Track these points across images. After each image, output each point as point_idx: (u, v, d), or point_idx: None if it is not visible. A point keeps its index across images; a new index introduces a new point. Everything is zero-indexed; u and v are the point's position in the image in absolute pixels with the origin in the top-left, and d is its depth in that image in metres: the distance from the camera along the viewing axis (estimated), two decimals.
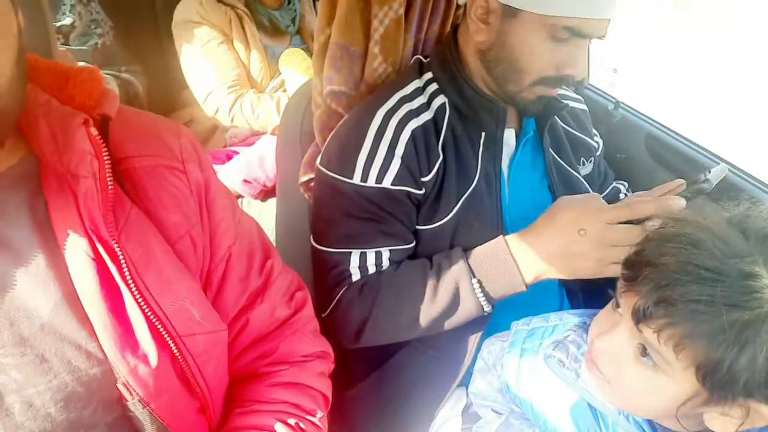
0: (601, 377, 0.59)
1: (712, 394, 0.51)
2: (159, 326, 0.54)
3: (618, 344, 0.57)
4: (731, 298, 0.48)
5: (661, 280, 0.52)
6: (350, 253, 0.88)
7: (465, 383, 0.94)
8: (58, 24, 1.68)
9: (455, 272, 0.83)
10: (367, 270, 0.89)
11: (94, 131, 0.52)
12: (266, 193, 1.66)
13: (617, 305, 0.59)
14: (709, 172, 0.78)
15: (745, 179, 1.13)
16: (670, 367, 0.52)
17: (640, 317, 0.53)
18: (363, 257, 0.88)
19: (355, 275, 0.89)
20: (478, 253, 0.84)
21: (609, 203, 0.78)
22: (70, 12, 1.72)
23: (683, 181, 0.80)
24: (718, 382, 0.50)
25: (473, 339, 0.89)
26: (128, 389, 0.54)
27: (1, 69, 0.46)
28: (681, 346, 0.50)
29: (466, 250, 0.85)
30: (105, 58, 1.75)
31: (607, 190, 1.14)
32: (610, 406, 0.63)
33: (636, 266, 0.55)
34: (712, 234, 0.52)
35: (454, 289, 0.82)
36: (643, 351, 0.54)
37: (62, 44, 1.68)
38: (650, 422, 0.62)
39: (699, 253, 0.51)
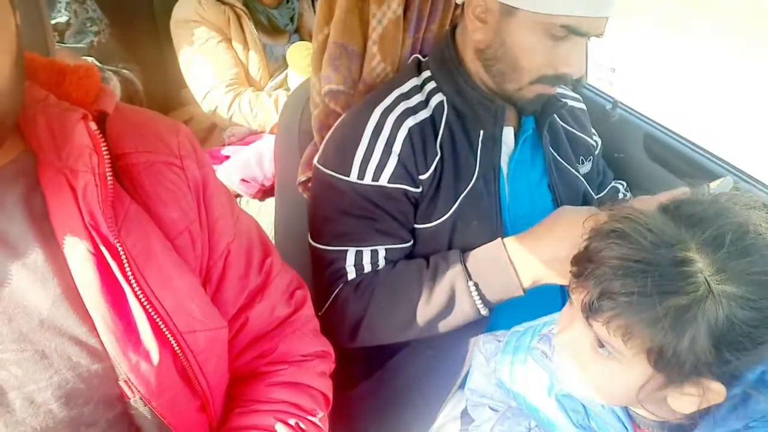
0: (570, 373, 0.62)
1: (666, 376, 0.54)
2: (160, 323, 0.54)
3: (577, 338, 0.59)
4: (664, 286, 0.51)
5: (601, 275, 0.54)
6: (346, 251, 0.88)
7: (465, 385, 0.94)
8: (54, 22, 1.67)
9: (452, 274, 0.82)
10: (363, 268, 0.89)
11: (93, 126, 0.52)
12: (264, 192, 1.66)
13: (572, 302, 0.61)
14: (709, 187, 0.78)
15: (744, 179, 1.14)
16: (623, 356, 0.55)
17: (588, 312, 0.55)
18: (359, 255, 0.88)
19: (351, 273, 0.89)
20: (476, 255, 0.84)
21: (607, 202, 0.78)
22: (65, 10, 1.71)
23: (688, 189, 0.80)
24: (668, 365, 0.52)
25: (473, 340, 0.89)
26: (129, 386, 0.54)
27: (1, 69, 0.46)
28: (628, 336, 0.53)
29: (465, 251, 0.85)
30: (101, 56, 1.74)
31: (606, 190, 1.14)
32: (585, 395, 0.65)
33: (581, 262, 0.58)
34: (642, 226, 0.54)
35: (449, 291, 0.82)
36: (599, 342, 0.57)
37: (57, 42, 1.67)
38: (625, 409, 0.65)
39: (629, 246, 0.53)
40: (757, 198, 0.56)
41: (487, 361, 0.80)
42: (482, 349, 0.82)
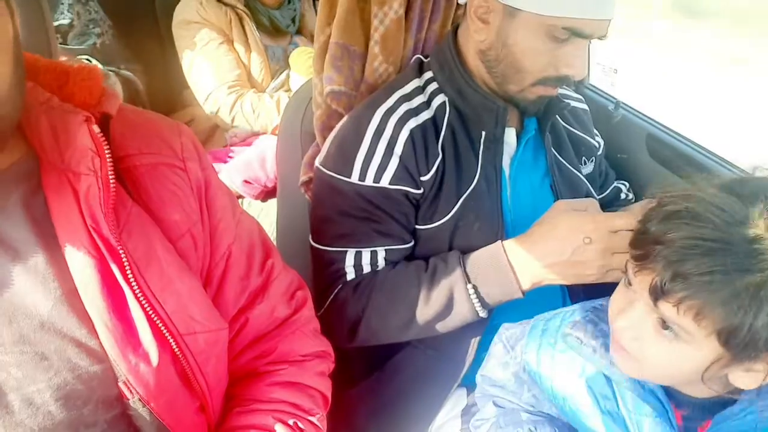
0: (628, 356, 0.61)
1: (735, 355, 0.53)
2: (160, 325, 0.54)
3: (637, 321, 0.58)
4: (741, 264, 0.50)
5: (671, 256, 0.53)
6: (346, 252, 0.88)
7: (465, 384, 0.93)
8: (56, 23, 1.68)
9: (450, 277, 0.82)
10: (362, 269, 0.89)
11: (96, 129, 0.52)
12: (267, 194, 1.66)
13: (629, 284, 0.61)
14: None
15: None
16: (692, 337, 0.54)
17: (658, 294, 0.54)
18: (358, 256, 0.88)
19: (350, 274, 0.89)
20: (475, 258, 0.83)
21: (609, 203, 0.78)
22: (68, 11, 1.72)
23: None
24: (740, 344, 0.52)
25: (473, 340, 0.89)
26: (129, 388, 0.54)
27: (1, 75, 0.46)
28: (701, 316, 0.52)
29: (465, 252, 0.85)
30: (104, 57, 1.75)
31: (608, 190, 1.14)
32: (626, 376, 0.65)
33: (644, 245, 0.57)
34: (710, 204, 0.54)
35: (448, 294, 0.82)
36: (663, 324, 0.56)
37: (60, 44, 1.67)
38: (665, 390, 0.64)
39: (702, 226, 0.53)
40: None
41: (506, 349, 0.79)
42: (503, 337, 0.81)
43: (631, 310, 0.59)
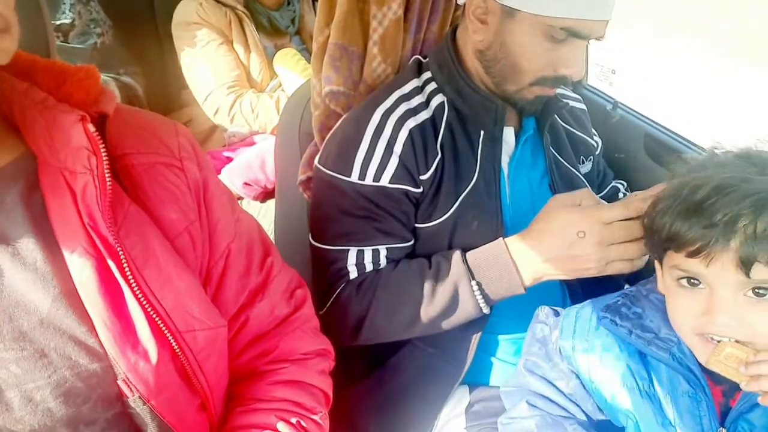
0: (744, 351, 0.59)
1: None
2: (159, 322, 0.54)
3: (733, 307, 0.58)
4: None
5: (738, 223, 0.54)
6: (347, 250, 0.89)
7: (467, 381, 0.94)
8: (58, 23, 1.68)
9: (454, 274, 0.83)
10: (365, 268, 0.89)
11: (91, 128, 0.52)
12: (266, 195, 1.66)
13: (693, 284, 0.60)
14: None
15: None
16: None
17: (749, 263, 0.54)
18: (360, 255, 0.88)
19: (353, 273, 0.89)
20: (478, 255, 0.84)
21: (607, 201, 0.79)
22: (69, 11, 1.72)
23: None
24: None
25: (474, 337, 0.90)
26: (128, 385, 0.54)
27: None
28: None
29: (466, 251, 0.85)
30: (104, 57, 1.75)
31: (606, 189, 1.14)
32: (663, 355, 0.67)
33: (697, 236, 0.57)
34: (732, 169, 0.55)
35: (452, 291, 0.82)
36: (756, 293, 0.56)
37: (61, 43, 1.68)
38: (701, 367, 0.65)
39: (740, 184, 0.54)
40: None
41: (549, 333, 0.80)
42: (543, 324, 0.81)
43: (720, 303, 0.58)
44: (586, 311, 0.77)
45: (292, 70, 1.72)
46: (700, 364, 0.65)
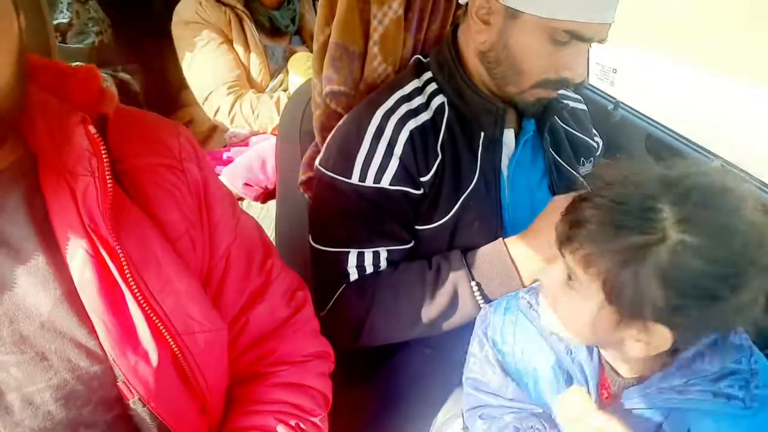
0: (548, 309, 0.66)
1: (617, 311, 0.57)
2: (159, 324, 0.54)
3: (553, 276, 0.63)
4: (626, 222, 0.54)
5: (578, 208, 0.59)
6: (348, 252, 0.88)
7: None
8: (56, 22, 1.68)
9: (454, 274, 0.83)
10: (365, 270, 0.89)
11: (92, 129, 0.52)
12: (267, 195, 1.66)
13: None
14: None
15: (744, 179, 1.13)
16: (582, 285, 0.59)
17: (562, 240, 0.60)
18: (360, 257, 0.88)
19: (353, 275, 0.89)
20: (477, 255, 0.84)
21: None
22: (67, 10, 1.72)
23: None
24: (618, 299, 0.56)
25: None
26: (128, 388, 0.54)
27: (3, 69, 0.46)
28: (588, 264, 0.57)
29: (466, 251, 0.85)
30: (102, 57, 1.75)
31: None
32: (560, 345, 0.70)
33: (570, 208, 0.62)
34: (627, 179, 0.58)
35: (452, 291, 0.83)
36: (569, 277, 0.61)
37: (59, 42, 1.67)
38: (598, 356, 0.69)
39: (610, 188, 0.57)
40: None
41: (481, 342, 0.80)
42: (478, 330, 0.82)
43: (552, 268, 0.64)
44: (514, 300, 0.77)
45: (302, 77, 1.71)
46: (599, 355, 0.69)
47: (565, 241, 0.60)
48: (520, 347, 0.74)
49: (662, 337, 0.57)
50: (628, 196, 0.55)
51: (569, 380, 0.71)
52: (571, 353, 0.69)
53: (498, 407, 0.79)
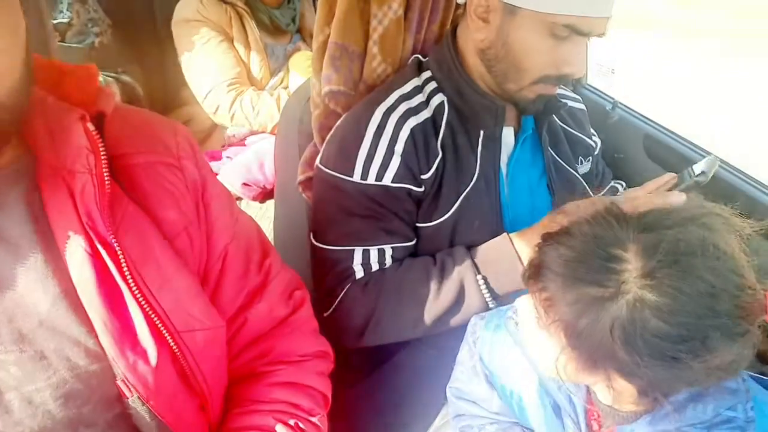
0: (524, 339, 0.66)
1: (579, 358, 0.56)
2: (158, 322, 0.54)
3: (525, 307, 0.63)
4: (588, 274, 0.53)
5: (545, 251, 0.59)
6: (353, 250, 0.88)
7: None
8: (55, 22, 1.67)
9: (460, 269, 0.83)
10: (371, 267, 0.89)
11: (90, 127, 0.52)
12: (265, 195, 1.66)
13: None
14: (693, 170, 0.79)
15: (742, 179, 1.14)
16: (543, 323, 0.58)
17: (528, 277, 0.60)
18: (366, 254, 0.88)
19: (359, 273, 0.89)
20: (483, 250, 0.84)
21: None
22: (67, 10, 1.71)
23: (675, 174, 0.81)
24: (579, 346, 0.55)
25: None
26: (127, 386, 0.54)
27: (12, 68, 0.46)
28: (549, 306, 0.57)
29: (469, 248, 0.85)
30: (102, 56, 1.74)
31: (605, 190, 1.14)
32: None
33: (537, 246, 0.62)
34: (586, 223, 0.57)
35: (458, 286, 0.83)
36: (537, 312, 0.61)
37: (59, 42, 1.67)
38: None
39: (574, 238, 0.57)
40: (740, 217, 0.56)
41: (473, 342, 0.80)
42: (470, 332, 0.81)
43: (525, 299, 0.64)
44: (504, 318, 0.76)
45: (304, 75, 1.72)
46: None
47: (529, 279, 0.60)
48: (506, 368, 0.73)
49: (622, 388, 0.56)
50: (590, 248, 0.54)
51: (556, 408, 0.69)
52: (558, 381, 0.67)
53: (479, 417, 0.78)
